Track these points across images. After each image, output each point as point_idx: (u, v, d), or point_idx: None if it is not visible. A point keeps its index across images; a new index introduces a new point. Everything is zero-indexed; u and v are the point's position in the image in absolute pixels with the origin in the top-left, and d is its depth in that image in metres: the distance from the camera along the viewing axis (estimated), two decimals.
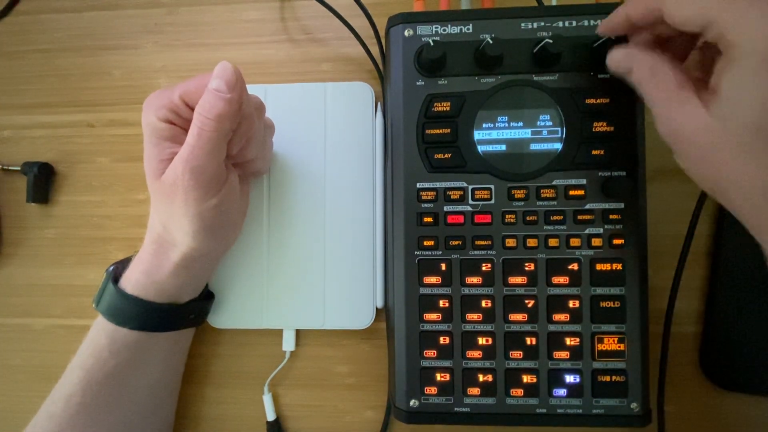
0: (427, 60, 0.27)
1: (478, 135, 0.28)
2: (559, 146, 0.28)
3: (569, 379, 0.27)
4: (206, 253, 0.28)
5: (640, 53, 0.23)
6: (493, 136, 0.28)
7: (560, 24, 0.28)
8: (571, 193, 0.28)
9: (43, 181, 0.36)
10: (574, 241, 0.28)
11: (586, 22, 0.27)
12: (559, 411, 0.27)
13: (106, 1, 0.37)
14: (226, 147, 0.25)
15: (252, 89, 0.26)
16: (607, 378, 0.27)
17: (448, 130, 0.28)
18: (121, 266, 0.29)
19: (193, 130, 0.24)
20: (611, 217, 0.27)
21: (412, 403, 0.28)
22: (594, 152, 0.27)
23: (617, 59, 0.25)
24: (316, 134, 0.33)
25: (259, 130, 0.27)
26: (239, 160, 0.28)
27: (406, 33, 0.28)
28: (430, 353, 0.28)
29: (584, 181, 0.28)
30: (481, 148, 0.28)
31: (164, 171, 0.25)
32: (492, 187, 0.28)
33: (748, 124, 0.19)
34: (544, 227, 0.28)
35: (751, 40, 0.19)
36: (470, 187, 0.28)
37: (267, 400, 0.33)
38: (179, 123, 0.26)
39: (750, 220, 0.21)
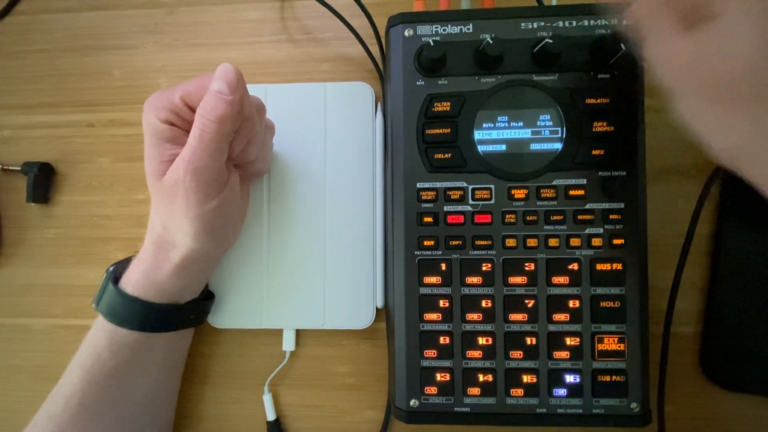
0: (427, 60, 0.27)
1: (478, 135, 0.28)
2: (559, 146, 0.28)
3: (569, 379, 0.27)
4: (206, 254, 0.28)
5: None
6: (493, 136, 0.28)
7: (560, 24, 0.28)
8: (571, 193, 0.28)
9: (43, 181, 0.36)
10: (574, 241, 0.28)
11: (586, 22, 0.27)
12: (559, 411, 0.27)
13: (106, 1, 0.37)
14: (227, 148, 0.25)
15: (252, 89, 0.26)
16: (607, 378, 0.27)
17: (448, 130, 0.28)
18: (121, 266, 0.29)
19: (195, 132, 0.24)
20: (611, 217, 0.27)
21: (412, 402, 0.28)
22: (594, 152, 0.27)
23: None
24: (316, 134, 0.33)
25: (260, 131, 0.27)
26: (240, 161, 0.28)
27: (406, 33, 0.28)
28: (430, 353, 0.28)
29: (584, 181, 0.28)
30: (481, 148, 0.28)
31: (165, 172, 0.25)
32: (492, 187, 0.28)
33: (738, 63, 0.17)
34: (544, 227, 0.28)
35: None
36: (470, 187, 0.28)
37: (267, 400, 0.33)
38: (180, 124, 0.26)
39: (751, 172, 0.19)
